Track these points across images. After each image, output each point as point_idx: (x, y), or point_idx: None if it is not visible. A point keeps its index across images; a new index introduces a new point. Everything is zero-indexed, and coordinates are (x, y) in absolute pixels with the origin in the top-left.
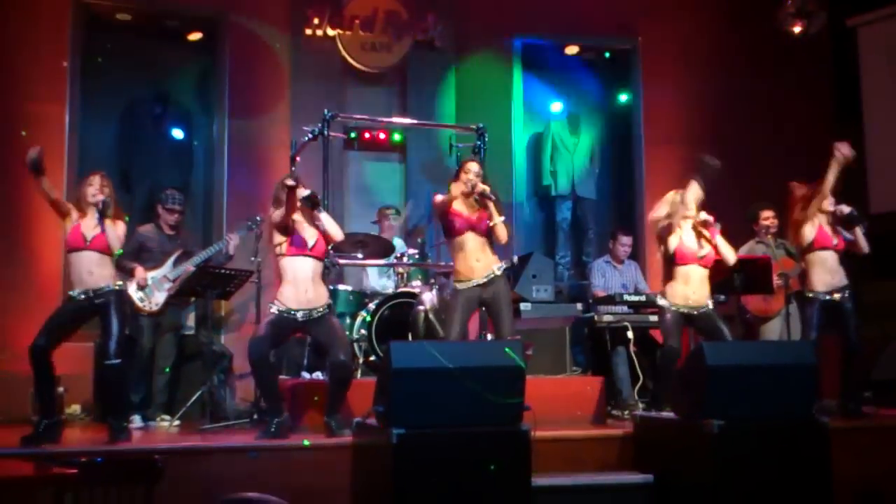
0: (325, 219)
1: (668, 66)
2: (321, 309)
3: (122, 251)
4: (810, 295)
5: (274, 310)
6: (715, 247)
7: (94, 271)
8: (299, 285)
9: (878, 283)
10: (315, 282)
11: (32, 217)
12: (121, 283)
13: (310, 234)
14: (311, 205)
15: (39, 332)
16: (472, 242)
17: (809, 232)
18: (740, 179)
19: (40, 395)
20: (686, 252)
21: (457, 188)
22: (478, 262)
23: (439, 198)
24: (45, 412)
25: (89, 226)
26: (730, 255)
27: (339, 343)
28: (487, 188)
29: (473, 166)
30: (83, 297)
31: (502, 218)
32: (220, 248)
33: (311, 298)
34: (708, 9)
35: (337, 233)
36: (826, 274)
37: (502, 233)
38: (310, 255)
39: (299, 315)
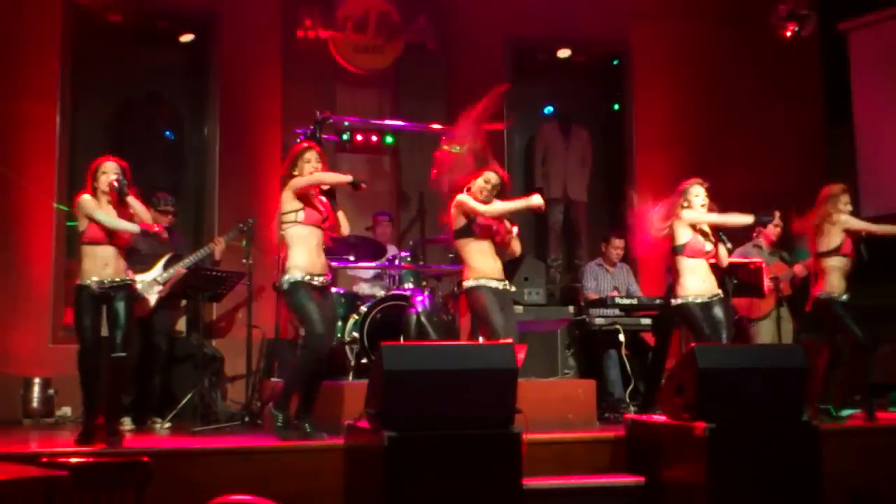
0: (341, 214)
1: (660, 69)
2: (327, 280)
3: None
4: (833, 296)
5: (298, 276)
6: (716, 247)
7: (111, 264)
8: (313, 252)
9: (867, 287)
10: (322, 254)
11: (21, 217)
12: (131, 276)
13: (323, 209)
14: (355, 187)
15: (78, 335)
16: (490, 247)
17: (837, 238)
18: (731, 183)
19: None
20: (696, 247)
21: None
22: (496, 263)
23: (469, 203)
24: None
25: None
26: (725, 258)
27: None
28: (515, 231)
29: (492, 177)
30: (97, 288)
31: (516, 229)
32: (211, 251)
33: (324, 263)
34: (699, 13)
35: (346, 227)
36: (844, 279)
37: (517, 246)
38: (322, 229)
39: (316, 281)
